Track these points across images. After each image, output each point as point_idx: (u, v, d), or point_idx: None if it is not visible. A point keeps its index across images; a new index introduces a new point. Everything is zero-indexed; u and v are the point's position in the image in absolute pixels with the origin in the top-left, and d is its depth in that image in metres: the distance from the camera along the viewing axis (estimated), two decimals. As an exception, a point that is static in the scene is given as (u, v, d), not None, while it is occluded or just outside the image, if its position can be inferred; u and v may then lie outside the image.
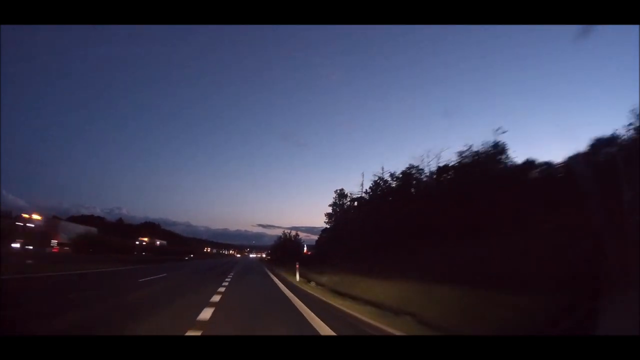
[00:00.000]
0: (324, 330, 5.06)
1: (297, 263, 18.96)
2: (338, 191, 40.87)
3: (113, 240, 54.04)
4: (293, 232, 65.16)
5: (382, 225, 20.52)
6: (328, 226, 45.13)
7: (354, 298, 8.53)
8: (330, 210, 41.84)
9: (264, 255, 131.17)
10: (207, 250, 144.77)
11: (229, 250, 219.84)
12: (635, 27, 11.88)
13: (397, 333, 4.67)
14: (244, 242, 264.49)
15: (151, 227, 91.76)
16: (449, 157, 23.34)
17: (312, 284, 13.82)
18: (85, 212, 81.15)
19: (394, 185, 26.27)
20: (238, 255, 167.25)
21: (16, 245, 32.03)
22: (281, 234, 66.94)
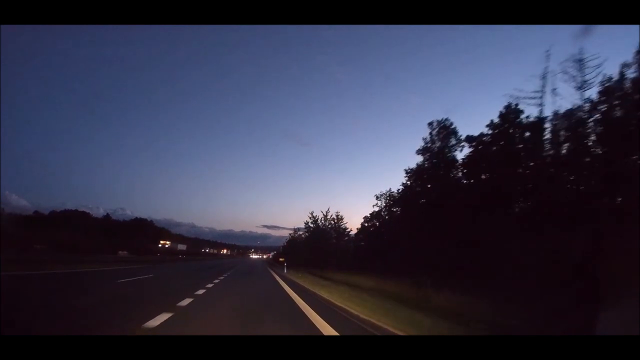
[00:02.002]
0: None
1: None
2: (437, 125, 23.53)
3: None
4: (330, 213, 38.58)
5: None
6: (380, 207, 31.32)
7: None
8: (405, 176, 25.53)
9: (268, 256, 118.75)
10: (165, 244, 72.51)
11: (220, 249, 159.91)
12: (635, 27, 11.86)
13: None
14: (249, 243, 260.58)
15: (141, 225, 76.93)
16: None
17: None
18: (89, 212, 73.52)
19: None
20: (237, 258, 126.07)
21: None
22: (309, 218, 39.48)
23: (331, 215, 39.04)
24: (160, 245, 69.05)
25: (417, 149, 24.22)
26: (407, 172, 25.56)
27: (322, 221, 39.37)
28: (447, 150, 22.70)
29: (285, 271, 26.17)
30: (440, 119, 23.42)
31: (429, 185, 22.97)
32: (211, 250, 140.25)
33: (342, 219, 38.86)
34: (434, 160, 23.10)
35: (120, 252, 40.48)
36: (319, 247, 35.95)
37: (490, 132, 18.77)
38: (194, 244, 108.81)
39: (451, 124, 22.98)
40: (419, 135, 24.48)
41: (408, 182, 25.92)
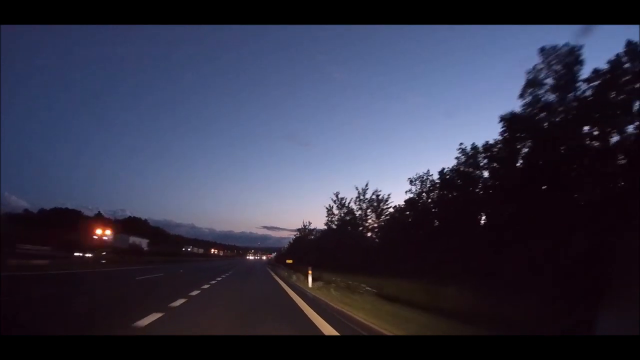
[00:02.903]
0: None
1: None
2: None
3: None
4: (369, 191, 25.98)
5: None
6: (414, 193, 22.06)
7: None
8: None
9: (269, 257, 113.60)
10: (103, 236, 44.53)
11: (209, 249, 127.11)
12: (635, 27, 11.81)
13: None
14: (249, 244, 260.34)
15: (135, 223, 72.64)
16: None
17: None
18: (89, 213, 66.65)
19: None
20: (235, 259, 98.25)
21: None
22: (332, 201, 27.81)
23: (371, 195, 25.77)
24: (96, 237, 43.52)
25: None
26: (503, 121, 15.75)
27: (359, 203, 25.69)
28: (570, 87, 13.82)
29: (310, 285, 12.59)
30: (557, 44, 14.68)
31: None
32: (196, 250, 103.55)
33: (386, 200, 25.37)
34: (552, 99, 14.03)
35: (23, 246, 24.09)
36: (351, 243, 23.91)
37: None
38: (171, 242, 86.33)
39: (579, 48, 14.34)
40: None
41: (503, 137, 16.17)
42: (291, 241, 58.88)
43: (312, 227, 42.34)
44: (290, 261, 29.46)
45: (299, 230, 46.46)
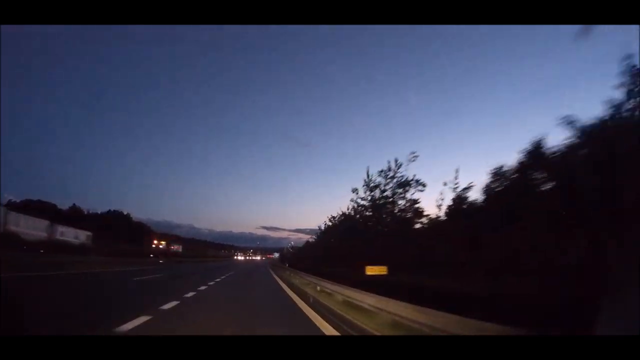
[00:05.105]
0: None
1: None
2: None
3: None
4: None
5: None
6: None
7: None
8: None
9: (268, 258, 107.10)
10: None
11: (152, 239, 67.61)
12: (635, 27, 11.77)
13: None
14: (248, 244, 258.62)
15: (116, 218, 64.20)
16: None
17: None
18: (56, 204, 57.12)
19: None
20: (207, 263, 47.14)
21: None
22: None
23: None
24: None
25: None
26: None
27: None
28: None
29: None
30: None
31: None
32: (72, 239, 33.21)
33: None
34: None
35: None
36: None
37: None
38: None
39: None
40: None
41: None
42: (322, 227, 32.54)
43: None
44: (382, 270, 12.25)
45: (353, 204, 21.37)
